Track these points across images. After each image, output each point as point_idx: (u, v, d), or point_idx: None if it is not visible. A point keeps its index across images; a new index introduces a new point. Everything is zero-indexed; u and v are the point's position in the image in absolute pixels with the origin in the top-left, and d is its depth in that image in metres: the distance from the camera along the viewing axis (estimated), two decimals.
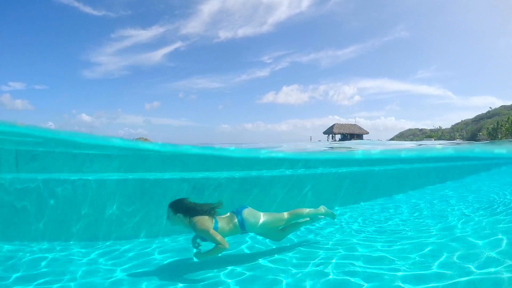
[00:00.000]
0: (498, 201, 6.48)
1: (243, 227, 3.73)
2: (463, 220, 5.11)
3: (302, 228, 4.94)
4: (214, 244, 3.44)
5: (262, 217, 3.87)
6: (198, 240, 3.70)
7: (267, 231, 4.00)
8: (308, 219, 4.32)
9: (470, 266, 3.22)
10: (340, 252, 3.98)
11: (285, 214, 4.07)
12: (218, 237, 3.40)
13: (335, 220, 4.62)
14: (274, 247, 4.34)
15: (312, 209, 4.26)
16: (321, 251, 4.06)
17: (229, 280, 3.34)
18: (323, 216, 4.39)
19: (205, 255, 3.46)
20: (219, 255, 3.52)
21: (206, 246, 4.49)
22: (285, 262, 3.78)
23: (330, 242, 4.42)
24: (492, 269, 3.07)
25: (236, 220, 3.72)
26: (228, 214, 3.81)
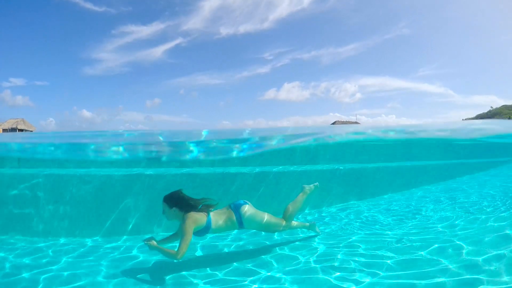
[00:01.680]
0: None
1: (241, 224, 3.59)
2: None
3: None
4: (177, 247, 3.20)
5: (262, 217, 3.71)
6: (168, 246, 3.47)
7: (266, 227, 3.82)
8: (307, 224, 4.31)
9: None
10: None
11: (282, 220, 3.89)
12: (183, 249, 3.15)
13: (319, 185, 4.29)
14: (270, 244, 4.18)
15: (298, 196, 4.10)
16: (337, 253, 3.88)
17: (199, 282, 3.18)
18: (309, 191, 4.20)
19: (158, 248, 3.27)
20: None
21: (200, 243, 4.32)
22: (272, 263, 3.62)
23: (353, 238, 4.26)
24: None
25: (234, 217, 3.57)
26: (225, 209, 3.65)
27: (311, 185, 4.25)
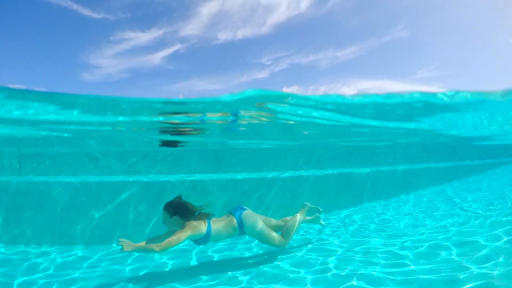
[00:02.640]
0: None
1: (242, 229, 3.57)
2: None
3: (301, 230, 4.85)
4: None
5: (261, 221, 3.70)
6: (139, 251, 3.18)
7: (265, 236, 3.74)
8: (309, 217, 4.29)
9: None
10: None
11: (280, 221, 4.00)
12: (167, 246, 3.04)
13: (321, 214, 4.36)
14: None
15: (298, 213, 4.11)
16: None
17: None
18: (310, 216, 4.29)
19: (135, 248, 3.05)
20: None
21: (197, 250, 4.26)
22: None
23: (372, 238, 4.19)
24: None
25: (235, 221, 3.55)
26: (225, 216, 3.64)
27: (314, 205, 4.26)
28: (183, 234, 3.17)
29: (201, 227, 3.32)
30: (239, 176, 6.01)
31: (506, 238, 3.63)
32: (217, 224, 3.47)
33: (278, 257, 3.87)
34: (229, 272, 3.49)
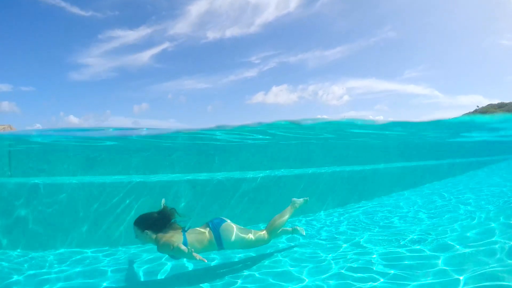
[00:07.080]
0: None
1: (220, 244, 3.22)
2: None
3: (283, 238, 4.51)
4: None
5: (243, 235, 3.33)
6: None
7: (247, 244, 3.43)
8: (289, 229, 3.95)
9: None
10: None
11: (265, 233, 3.54)
12: (183, 248, 2.79)
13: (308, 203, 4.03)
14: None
15: (286, 209, 3.82)
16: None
17: None
18: (297, 206, 3.93)
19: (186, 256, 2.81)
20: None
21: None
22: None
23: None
24: None
25: (213, 236, 3.19)
26: (202, 228, 3.28)
27: (301, 199, 3.99)
28: (167, 250, 2.91)
29: (177, 240, 2.95)
30: None
31: None
32: (194, 238, 3.11)
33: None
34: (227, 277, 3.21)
